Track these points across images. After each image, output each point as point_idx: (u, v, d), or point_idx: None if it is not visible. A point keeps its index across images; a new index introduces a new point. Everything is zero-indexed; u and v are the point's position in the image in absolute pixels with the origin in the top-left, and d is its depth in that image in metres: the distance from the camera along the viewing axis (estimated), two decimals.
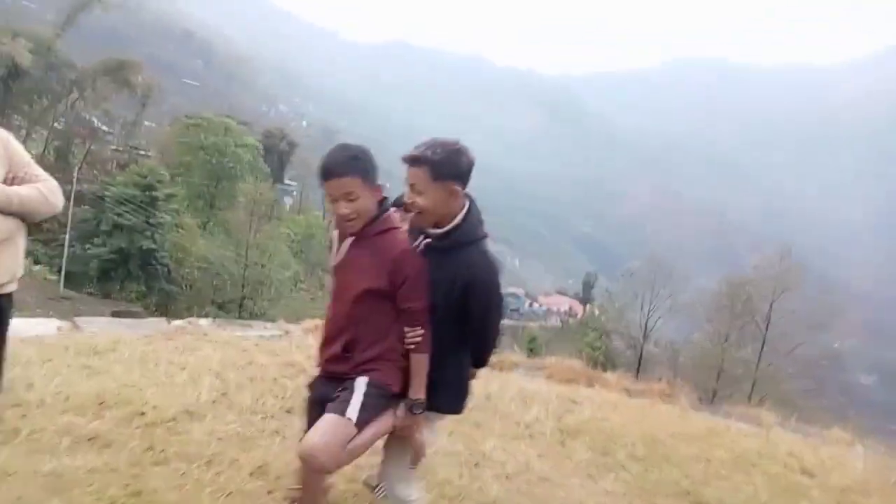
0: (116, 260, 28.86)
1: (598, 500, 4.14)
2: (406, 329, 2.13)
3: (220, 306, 30.61)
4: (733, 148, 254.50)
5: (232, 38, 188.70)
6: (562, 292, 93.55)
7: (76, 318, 6.28)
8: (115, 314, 17.65)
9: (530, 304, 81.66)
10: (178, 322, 7.01)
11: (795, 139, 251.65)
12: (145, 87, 35.43)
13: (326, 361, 2.22)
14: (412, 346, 2.14)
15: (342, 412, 2.02)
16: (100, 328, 6.00)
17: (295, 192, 60.47)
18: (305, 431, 2.15)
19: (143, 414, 3.78)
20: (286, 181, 57.93)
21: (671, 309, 29.96)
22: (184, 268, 31.34)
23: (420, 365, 2.15)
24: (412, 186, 2.14)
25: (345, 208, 2.06)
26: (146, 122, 46.98)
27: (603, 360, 23.32)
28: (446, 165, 2.12)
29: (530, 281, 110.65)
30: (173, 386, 4.41)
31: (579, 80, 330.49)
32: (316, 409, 2.17)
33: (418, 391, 2.16)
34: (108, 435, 3.39)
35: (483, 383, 6.39)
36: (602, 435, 5.36)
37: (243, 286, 31.31)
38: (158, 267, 29.73)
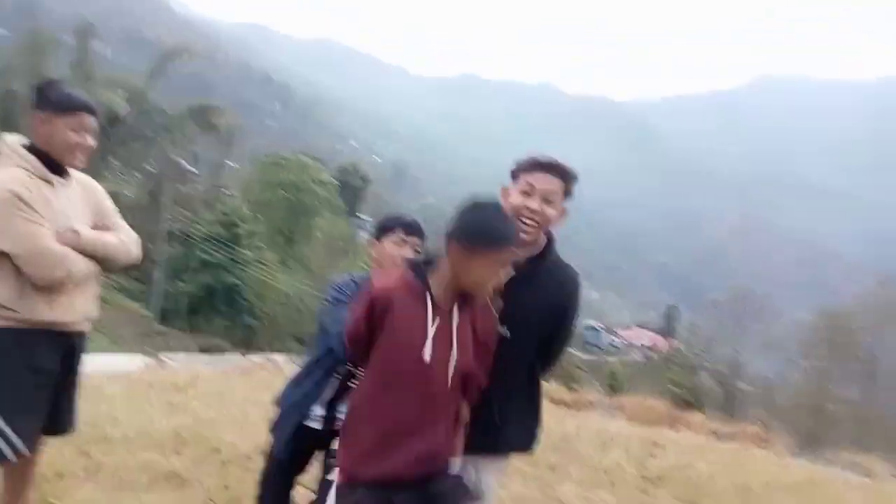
0: (203, 296, 30.25)
1: None
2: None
3: (300, 340, 31.37)
4: (824, 171, 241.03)
5: (307, 79, 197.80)
6: (642, 326, 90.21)
7: (160, 354, 6.55)
8: (203, 349, 18.47)
9: (610, 339, 79.14)
10: (255, 357, 7.20)
11: (881, 163, 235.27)
12: (228, 129, 37.36)
13: (417, 462, 1.69)
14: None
15: None
16: (181, 364, 6.22)
17: (369, 226, 62.05)
18: None
19: (218, 451, 3.83)
20: (360, 216, 59.51)
21: (764, 344, 28.11)
22: (265, 302, 32.42)
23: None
24: (545, 195, 1.90)
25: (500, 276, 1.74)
26: (229, 163, 49.56)
27: (689, 399, 22.12)
28: (574, 183, 1.97)
29: (608, 314, 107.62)
30: (248, 423, 4.48)
31: (654, 106, 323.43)
32: None
33: None
34: (185, 472, 3.45)
35: (559, 424, 6.16)
36: (688, 483, 5.01)
37: None
38: (241, 302, 30.92)
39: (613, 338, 78.31)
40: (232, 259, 30.34)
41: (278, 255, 36.93)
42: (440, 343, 1.70)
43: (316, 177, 41.57)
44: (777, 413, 20.71)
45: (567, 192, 1.95)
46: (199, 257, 30.29)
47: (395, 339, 1.72)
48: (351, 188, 55.59)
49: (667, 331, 69.06)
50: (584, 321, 72.50)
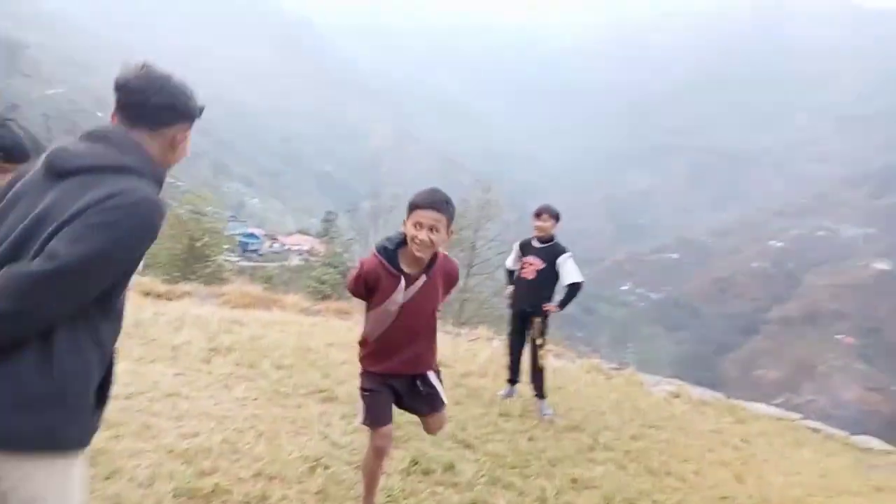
0: None
1: (225, 407, 4.27)
2: None
3: None
4: (461, 93, 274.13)
5: None
6: (304, 232, 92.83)
7: None
8: None
9: (270, 245, 79.57)
10: None
11: (508, 91, 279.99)
12: None
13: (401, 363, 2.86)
14: None
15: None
16: None
17: None
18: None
19: None
20: None
21: None
22: None
23: None
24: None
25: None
26: None
27: (329, 292, 23.79)
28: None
29: (271, 221, 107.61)
30: None
31: (321, 15, 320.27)
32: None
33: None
34: None
35: (136, 312, 6.09)
36: (253, 350, 5.51)
37: None
38: None
39: (273, 244, 79.04)
40: None
41: None
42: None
43: None
44: None
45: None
46: None
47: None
48: None
49: (325, 236, 72.45)
50: (245, 229, 71.45)
